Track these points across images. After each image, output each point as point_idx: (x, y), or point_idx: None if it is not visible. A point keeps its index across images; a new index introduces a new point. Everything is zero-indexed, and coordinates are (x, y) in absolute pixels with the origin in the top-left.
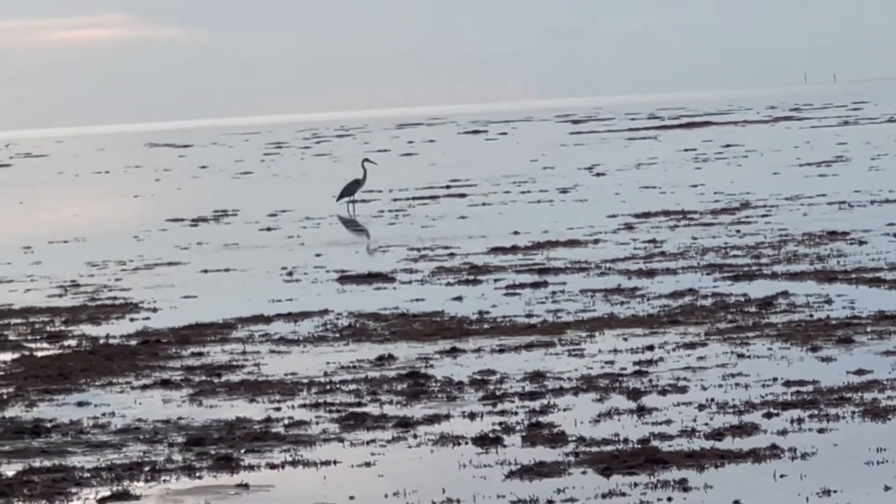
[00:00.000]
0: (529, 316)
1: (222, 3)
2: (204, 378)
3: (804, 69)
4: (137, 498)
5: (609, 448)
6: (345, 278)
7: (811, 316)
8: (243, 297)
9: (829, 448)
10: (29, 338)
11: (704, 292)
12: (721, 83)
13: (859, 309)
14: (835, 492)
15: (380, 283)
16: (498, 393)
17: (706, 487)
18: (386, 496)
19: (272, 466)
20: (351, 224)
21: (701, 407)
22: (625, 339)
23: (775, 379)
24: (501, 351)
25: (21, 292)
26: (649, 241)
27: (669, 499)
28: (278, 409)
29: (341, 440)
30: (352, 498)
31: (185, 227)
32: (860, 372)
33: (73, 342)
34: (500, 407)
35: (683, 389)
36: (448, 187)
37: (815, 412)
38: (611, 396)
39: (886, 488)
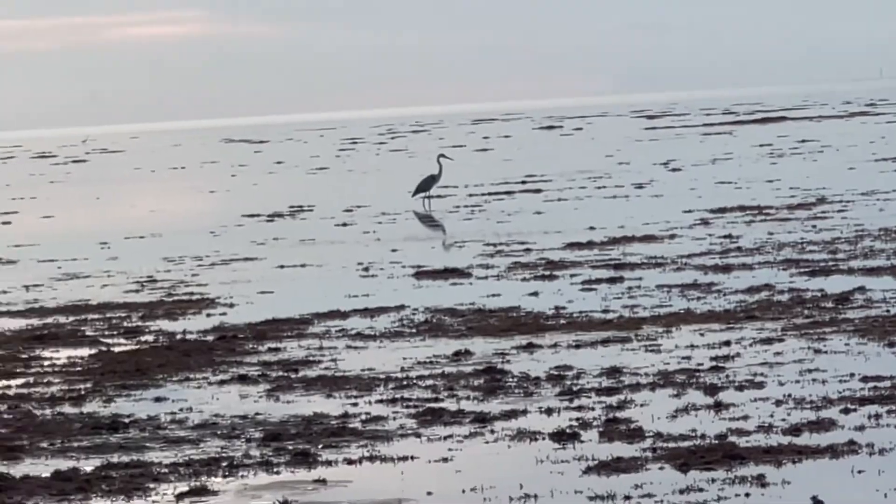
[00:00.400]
0: (606, 311)
1: (299, 0)
2: (281, 373)
3: (879, 63)
4: (215, 493)
5: (686, 444)
6: (421, 274)
7: (888, 311)
8: (319, 292)
9: None
10: (106, 333)
11: (781, 288)
12: (796, 78)
13: None
14: None
15: (456, 279)
16: (575, 388)
17: (784, 483)
18: (463, 491)
19: (350, 462)
20: (427, 219)
21: (778, 402)
22: (701, 335)
23: (852, 374)
24: (578, 346)
25: (98, 288)
26: (725, 237)
27: (747, 494)
28: (355, 404)
29: (418, 435)
30: (429, 493)
31: (261, 223)
32: None
33: (150, 338)
34: (576, 402)
35: (760, 385)
36: (523, 182)
37: (893, 407)
38: (688, 392)
39: None
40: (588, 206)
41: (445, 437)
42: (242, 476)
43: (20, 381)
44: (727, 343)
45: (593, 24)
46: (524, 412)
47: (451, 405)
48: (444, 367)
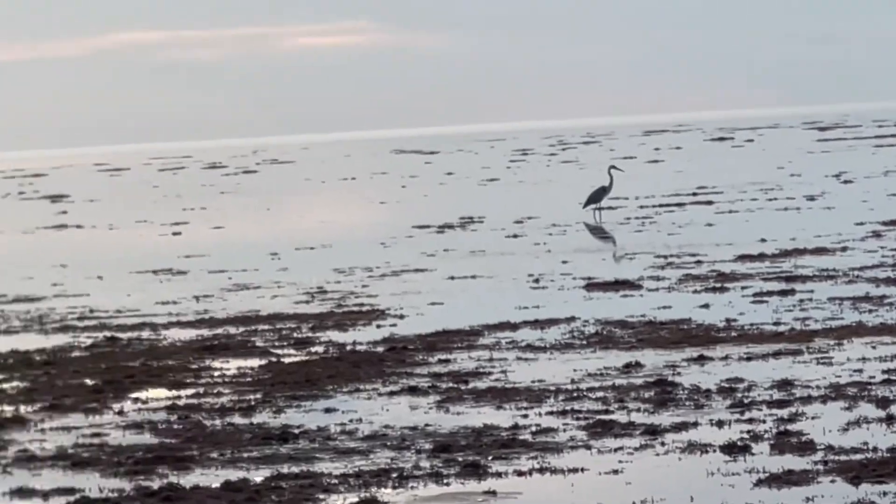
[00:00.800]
0: (777, 324)
1: (469, 10)
2: (451, 385)
3: None
4: None
5: (858, 457)
6: (591, 285)
7: None
8: (490, 303)
9: None
10: (276, 344)
11: None
12: None
13: None
14: None
15: (626, 291)
16: (745, 401)
17: None
18: None
19: (520, 473)
20: (597, 231)
21: None
22: (873, 348)
23: None
24: (749, 359)
25: (268, 299)
26: None
27: None
28: (525, 416)
29: (588, 447)
30: None
31: (431, 234)
32: None
33: (320, 349)
34: (747, 415)
35: None
36: (694, 194)
37: None
38: (859, 405)
39: None
40: (759, 218)
41: (616, 450)
42: (412, 487)
43: (190, 391)
44: None
45: (763, 35)
46: (695, 424)
47: (621, 417)
48: (615, 378)
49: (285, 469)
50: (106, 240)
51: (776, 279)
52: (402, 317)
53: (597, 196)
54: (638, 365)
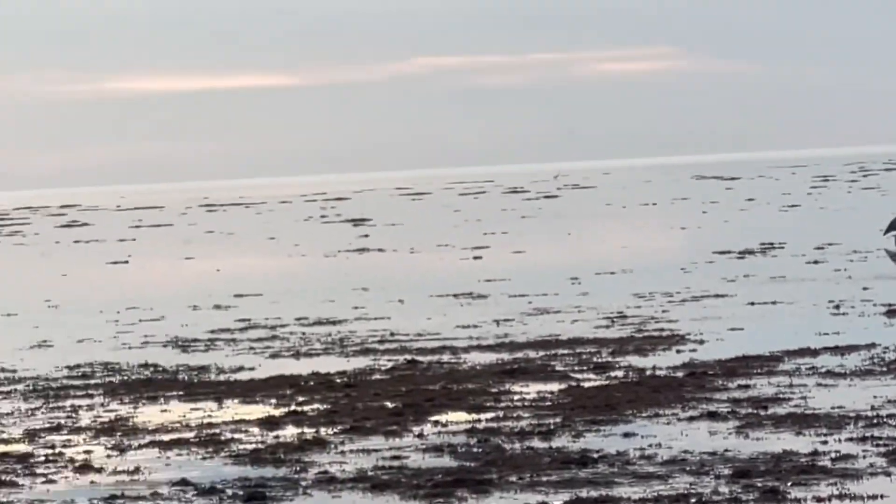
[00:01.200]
0: None
1: (770, 35)
2: (750, 410)
3: None
4: None
5: None
6: (892, 312)
7: None
8: (790, 329)
9: None
10: (575, 368)
11: None
12: None
13: None
14: None
15: None
16: None
17: None
18: None
19: (819, 500)
20: None
21: None
22: None
23: None
24: None
25: (568, 323)
26: None
27: None
28: (825, 442)
29: (888, 474)
30: None
31: (731, 260)
32: None
33: (619, 373)
34: None
35: None
36: None
37: None
38: None
39: None
40: None
41: None
42: None
43: (490, 414)
44: None
45: None
46: None
47: None
48: None
49: (584, 493)
50: (407, 263)
51: None
52: (701, 342)
53: None
54: None
